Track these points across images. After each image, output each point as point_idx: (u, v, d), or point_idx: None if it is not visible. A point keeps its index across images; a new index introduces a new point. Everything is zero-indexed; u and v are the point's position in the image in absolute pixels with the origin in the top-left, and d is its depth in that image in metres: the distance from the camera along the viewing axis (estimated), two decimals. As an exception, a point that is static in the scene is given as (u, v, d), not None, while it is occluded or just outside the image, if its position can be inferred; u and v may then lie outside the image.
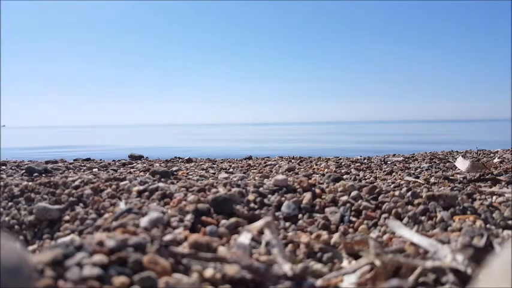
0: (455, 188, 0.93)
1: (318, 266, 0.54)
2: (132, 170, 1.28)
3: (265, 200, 0.86)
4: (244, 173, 1.23)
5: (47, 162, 1.50)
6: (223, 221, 0.70)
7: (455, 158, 1.42)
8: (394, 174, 1.19)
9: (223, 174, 1.17)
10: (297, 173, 1.19)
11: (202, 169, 1.31)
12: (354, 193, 0.89)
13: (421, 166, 1.36)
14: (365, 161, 1.63)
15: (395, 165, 1.44)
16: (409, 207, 0.81)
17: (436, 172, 1.20)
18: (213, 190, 0.87)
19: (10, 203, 0.94)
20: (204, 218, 0.71)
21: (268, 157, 1.93)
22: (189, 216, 0.70)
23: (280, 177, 0.97)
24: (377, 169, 1.31)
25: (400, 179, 1.07)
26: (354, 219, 0.79)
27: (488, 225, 0.69)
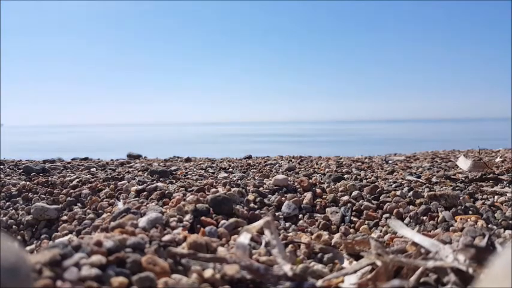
0: (457, 188, 0.93)
1: (318, 267, 0.54)
2: (130, 169, 1.28)
3: (265, 200, 0.85)
4: (244, 172, 1.22)
5: (44, 162, 1.50)
6: (223, 221, 0.70)
7: (457, 157, 1.41)
8: (395, 173, 1.18)
9: (222, 174, 1.17)
10: (297, 173, 1.19)
11: (202, 168, 1.30)
12: (355, 193, 0.89)
13: (423, 165, 1.35)
14: (366, 160, 1.63)
15: (396, 164, 1.43)
16: (411, 207, 0.80)
17: (437, 171, 1.20)
18: (213, 190, 0.86)
19: (8, 203, 0.93)
20: (203, 218, 0.70)
21: (268, 156, 1.92)
22: (188, 216, 0.70)
23: (280, 176, 0.96)
24: (378, 168, 1.30)
25: (401, 178, 1.07)
26: (355, 219, 0.79)
27: (490, 225, 0.69)
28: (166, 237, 0.55)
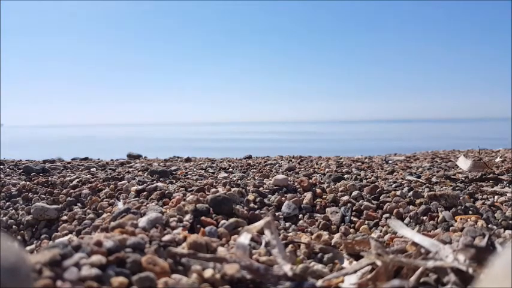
0: (457, 188, 0.93)
1: (318, 267, 0.54)
2: (130, 169, 1.28)
3: (265, 200, 0.85)
4: (244, 172, 1.22)
5: (44, 162, 1.50)
6: (223, 221, 0.69)
7: (457, 157, 1.41)
8: (395, 173, 1.18)
9: (222, 174, 1.17)
10: (297, 173, 1.19)
11: (202, 168, 1.31)
12: (355, 193, 0.89)
13: (423, 165, 1.35)
14: (366, 160, 1.63)
15: (396, 164, 1.43)
16: (411, 207, 0.80)
17: (437, 171, 1.20)
18: (213, 190, 0.86)
19: (8, 203, 0.93)
20: (203, 218, 0.70)
21: (268, 156, 1.92)
22: (188, 216, 0.70)
23: (280, 176, 0.96)
24: (378, 168, 1.30)
25: (401, 178, 1.07)
26: (355, 219, 0.79)
27: (490, 225, 0.69)
28: (166, 237, 0.55)
